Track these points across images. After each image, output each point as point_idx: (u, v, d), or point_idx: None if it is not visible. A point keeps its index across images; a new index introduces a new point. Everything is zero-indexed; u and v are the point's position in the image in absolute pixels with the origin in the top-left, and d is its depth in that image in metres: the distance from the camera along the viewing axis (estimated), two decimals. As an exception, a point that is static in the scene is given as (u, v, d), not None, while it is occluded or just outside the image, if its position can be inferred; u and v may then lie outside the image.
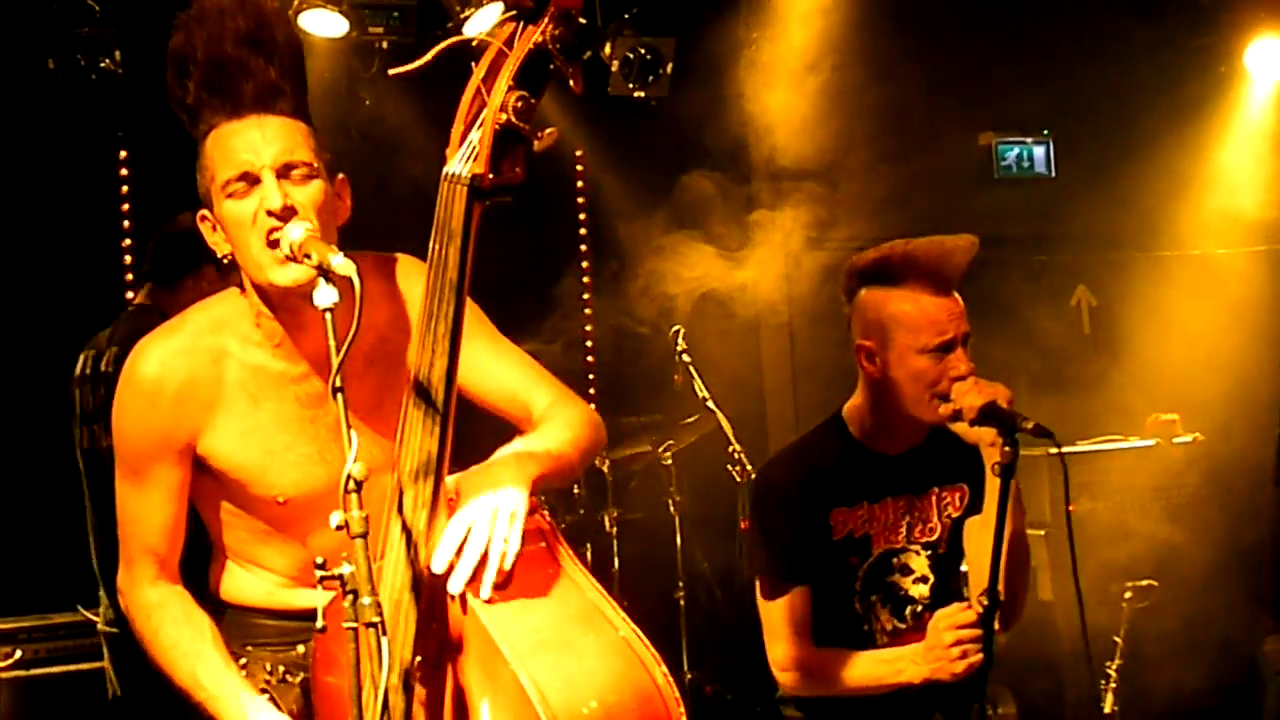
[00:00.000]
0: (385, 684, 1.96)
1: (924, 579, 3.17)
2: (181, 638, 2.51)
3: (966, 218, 6.59)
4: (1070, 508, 5.61)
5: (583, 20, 2.11)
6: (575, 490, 5.75)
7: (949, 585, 3.22)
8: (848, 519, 3.12)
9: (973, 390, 2.90)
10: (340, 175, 2.48)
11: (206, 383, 2.45)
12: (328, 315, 2.08)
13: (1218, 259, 7.16)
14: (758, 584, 3.16)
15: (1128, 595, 5.11)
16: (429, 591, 2.21)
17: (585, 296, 6.87)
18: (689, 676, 5.73)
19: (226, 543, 2.61)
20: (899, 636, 3.13)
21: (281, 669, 2.58)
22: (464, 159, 2.12)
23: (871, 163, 6.58)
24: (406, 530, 2.17)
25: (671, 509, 5.79)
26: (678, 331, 5.59)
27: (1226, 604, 5.51)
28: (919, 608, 3.15)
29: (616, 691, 2.16)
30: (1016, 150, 7.24)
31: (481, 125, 2.11)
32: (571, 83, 2.13)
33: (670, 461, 5.80)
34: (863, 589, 3.13)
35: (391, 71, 2.22)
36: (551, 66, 2.10)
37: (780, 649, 3.11)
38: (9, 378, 5.51)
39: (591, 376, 6.78)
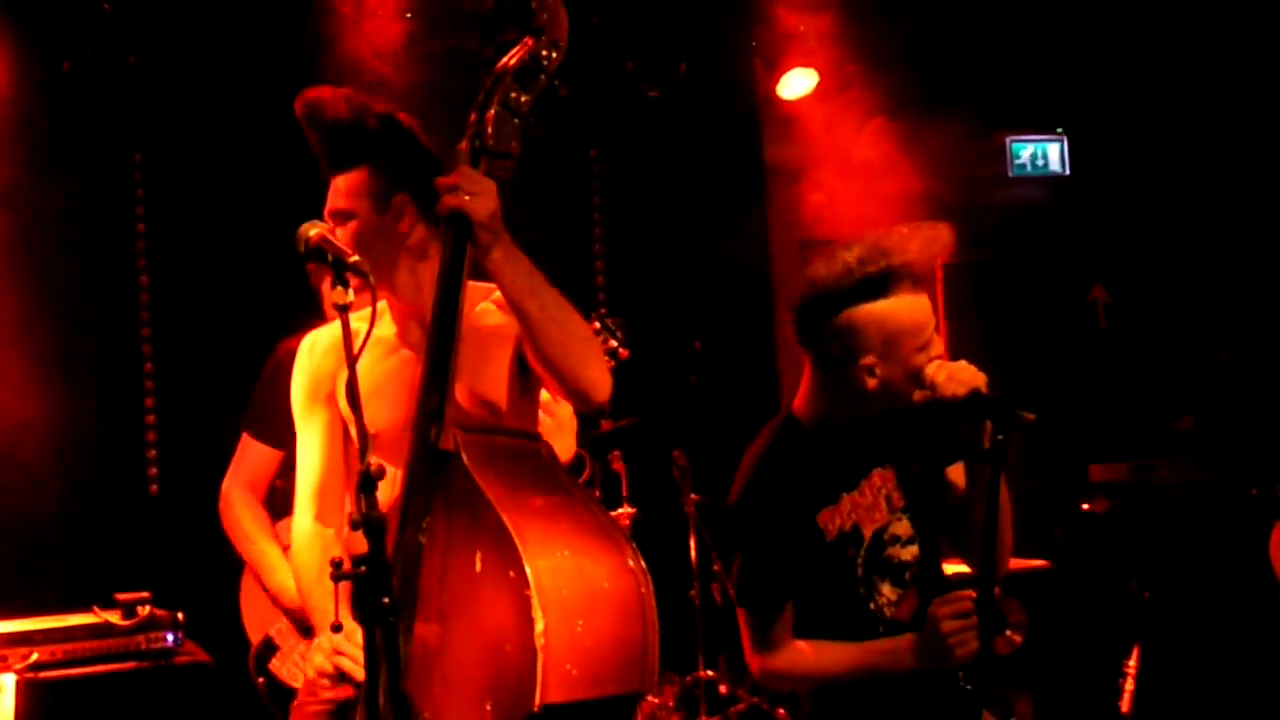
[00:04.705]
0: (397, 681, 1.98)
1: (912, 539, 3.18)
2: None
3: (981, 215, 6.60)
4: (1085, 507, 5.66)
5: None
6: (593, 493, 5.76)
7: (933, 539, 3.22)
8: (834, 516, 3.12)
9: (954, 379, 2.90)
10: (398, 195, 2.91)
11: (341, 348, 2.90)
12: (344, 313, 2.42)
13: (1232, 255, 7.14)
14: (744, 613, 3.11)
15: (1145, 594, 5.10)
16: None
17: (600, 297, 6.88)
18: (704, 676, 5.72)
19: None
20: (901, 604, 3.14)
21: None
22: (469, 136, 2.68)
23: (885, 160, 6.57)
24: (421, 412, 2.63)
25: (687, 508, 5.79)
26: (695, 336, 5.59)
27: (1245, 602, 5.50)
28: (916, 568, 3.17)
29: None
30: (1031, 148, 7.23)
31: (487, 109, 2.68)
32: (556, 83, 2.70)
33: (685, 461, 5.80)
34: (864, 574, 3.14)
35: None
36: (542, 77, 2.67)
37: (771, 658, 3.08)
38: (25, 378, 5.52)
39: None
